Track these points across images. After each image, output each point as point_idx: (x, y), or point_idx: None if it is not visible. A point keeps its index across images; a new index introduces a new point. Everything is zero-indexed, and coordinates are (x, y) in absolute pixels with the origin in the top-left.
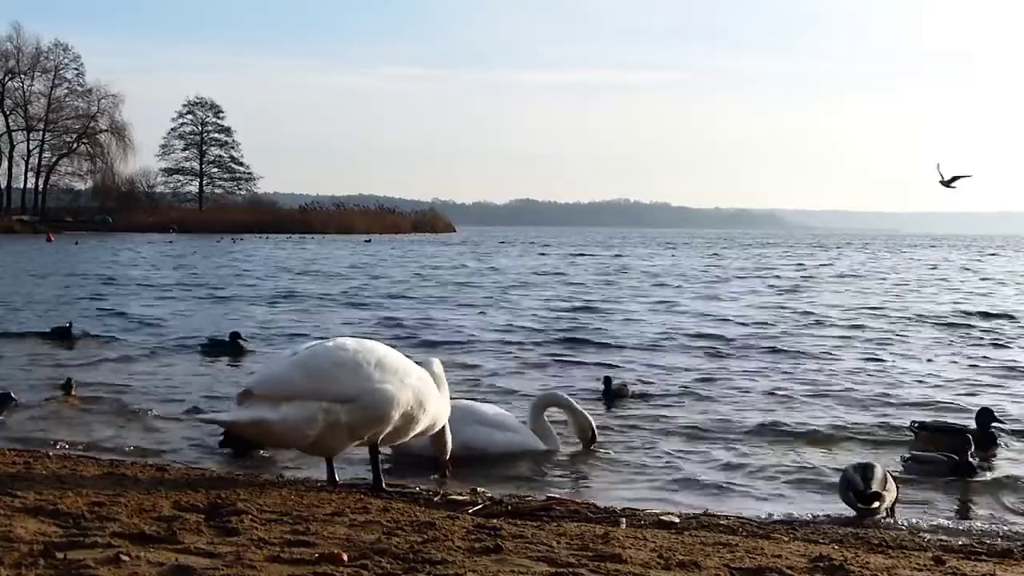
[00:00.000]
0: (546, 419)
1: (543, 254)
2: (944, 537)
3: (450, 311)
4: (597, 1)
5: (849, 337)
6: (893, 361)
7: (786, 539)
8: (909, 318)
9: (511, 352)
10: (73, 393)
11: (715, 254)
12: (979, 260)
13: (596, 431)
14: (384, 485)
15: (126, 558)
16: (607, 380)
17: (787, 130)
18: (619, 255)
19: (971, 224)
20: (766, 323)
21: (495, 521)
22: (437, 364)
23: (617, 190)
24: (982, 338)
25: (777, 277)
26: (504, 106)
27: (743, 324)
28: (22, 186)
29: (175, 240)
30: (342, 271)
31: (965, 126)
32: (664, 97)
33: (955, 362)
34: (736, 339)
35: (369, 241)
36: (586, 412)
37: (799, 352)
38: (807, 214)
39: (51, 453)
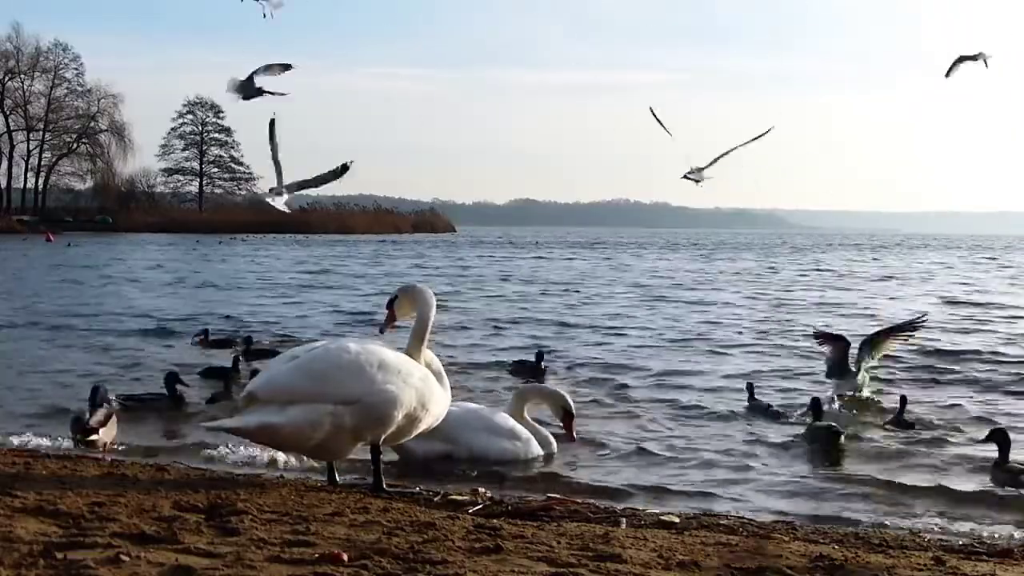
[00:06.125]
0: (527, 416)
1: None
2: (944, 537)
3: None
4: (598, 1)
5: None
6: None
7: (786, 539)
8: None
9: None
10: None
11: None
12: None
13: (571, 406)
14: (384, 485)
15: (126, 558)
16: None
17: (787, 130)
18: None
19: (971, 224)
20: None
21: (495, 521)
22: (436, 360)
23: (617, 190)
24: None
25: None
26: (504, 106)
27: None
28: (22, 186)
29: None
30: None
31: (965, 126)
32: (664, 97)
33: None
34: None
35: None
36: (558, 389)
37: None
38: (807, 214)
39: (51, 453)
